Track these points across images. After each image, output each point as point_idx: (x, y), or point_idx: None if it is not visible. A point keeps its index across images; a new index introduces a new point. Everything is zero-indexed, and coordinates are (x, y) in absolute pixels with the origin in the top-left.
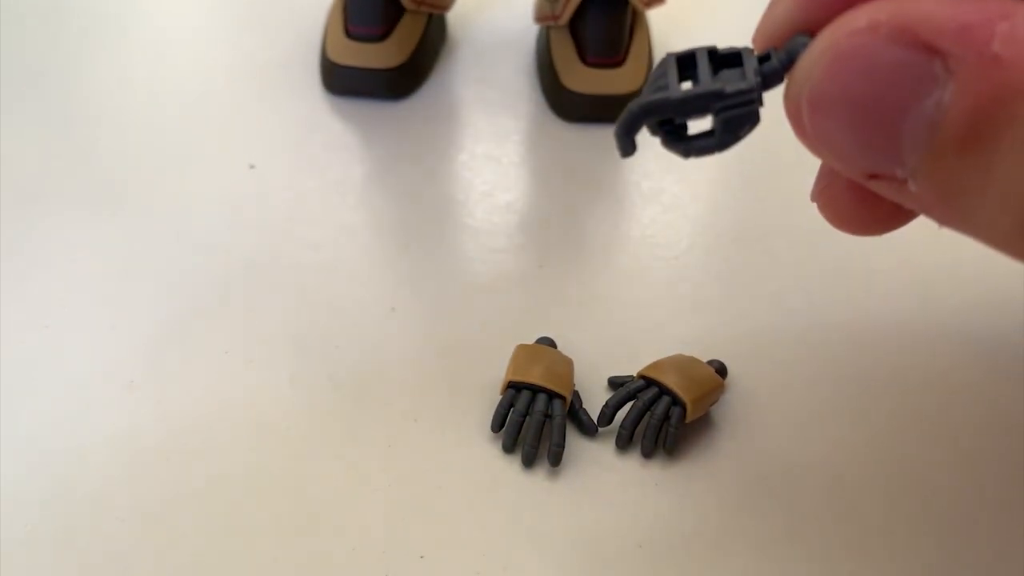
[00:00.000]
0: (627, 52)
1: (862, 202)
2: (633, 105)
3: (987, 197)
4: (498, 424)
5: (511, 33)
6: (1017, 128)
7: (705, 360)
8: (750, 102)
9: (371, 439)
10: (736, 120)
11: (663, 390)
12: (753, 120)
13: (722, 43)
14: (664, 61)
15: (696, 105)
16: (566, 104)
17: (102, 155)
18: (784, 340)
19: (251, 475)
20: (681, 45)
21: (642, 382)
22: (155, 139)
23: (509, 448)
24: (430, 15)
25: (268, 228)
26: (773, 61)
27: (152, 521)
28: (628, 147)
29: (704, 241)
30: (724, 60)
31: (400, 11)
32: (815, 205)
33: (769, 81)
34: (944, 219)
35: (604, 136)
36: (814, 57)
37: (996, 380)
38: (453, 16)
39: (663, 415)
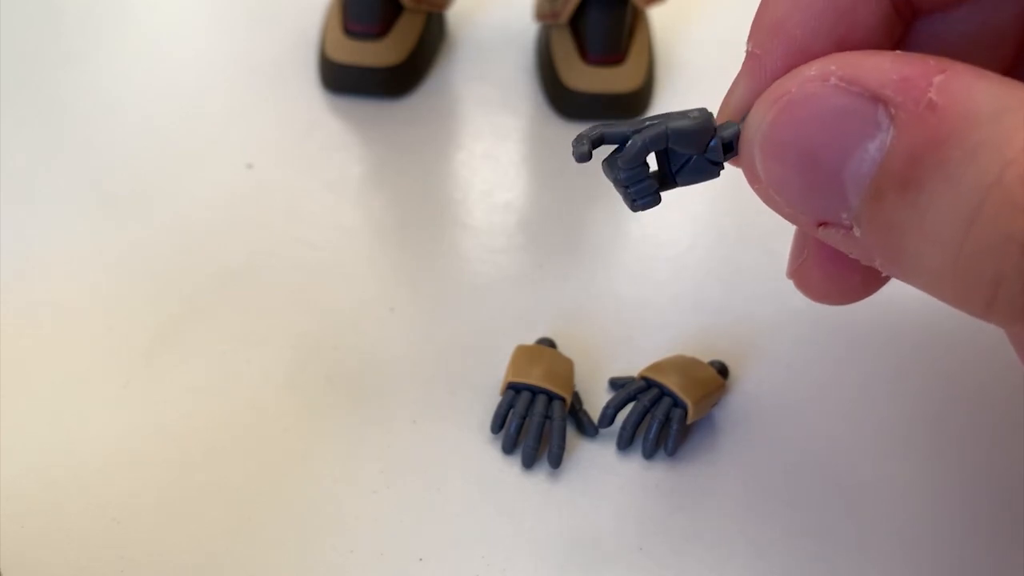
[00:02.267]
0: (628, 50)
1: (832, 277)
2: (636, 138)
3: (921, 236)
4: (498, 425)
5: (511, 31)
6: (947, 170)
7: (706, 361)
8: (709, 171)
9: (370, 440)
10: (689, 180)
11: (664, 391)
12: (708, 175)
13: (721, 43)
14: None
15: (660, 167)
16: (566, 102)
17: (98, 154)
18: (786, 341)
19: (249, 475)
20: (682, 43)
21: (643, 383)
22: (152, 138)
23: (509, 449)
24: (429, 13)
25: (266, 227)
26: (733, 128)
27: (148, 522)
28: (585, 156)
29: (705, 241)
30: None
31: (399, 9)
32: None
33: (728, 143)
34: (884, 263)
35: None
36: (766, 104)
37: (1001, 380)
38: (452, 14)
39: (664, 416)
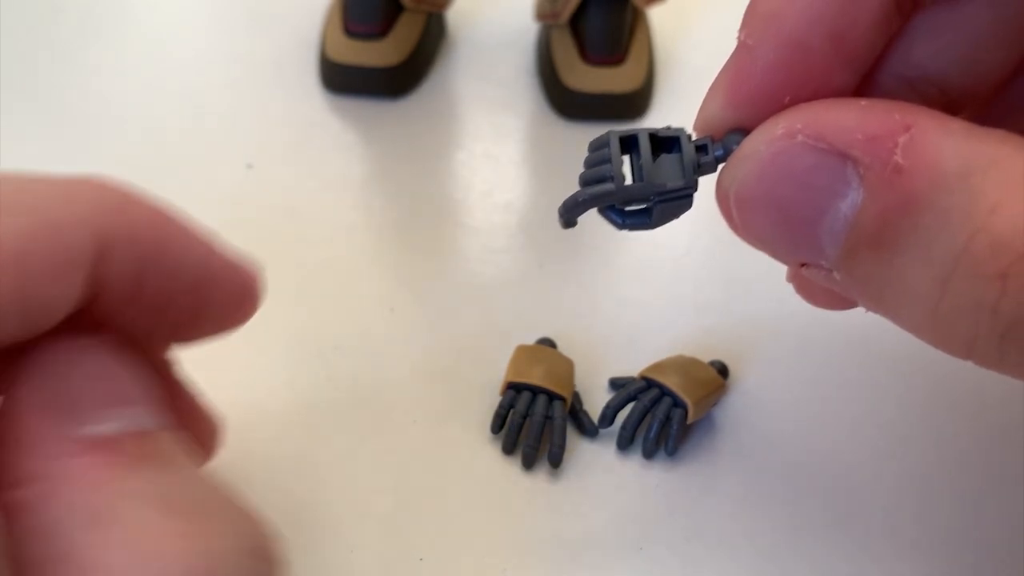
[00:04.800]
0: (628, 50)
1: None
2: (579, 194)
3: (898, 291)
4: (498, 425)
5: (511, 31)
6: (919, 234)
7: (707, 361)
8: (686, 196)
9: (370, 440)
10: (671, 210)
11: (664, 391)
12: (687, 208)
13: (720, 42)
14: (605, 138)
15: (638, 197)
16: (566, 102)
17: (98, 154)
18: (786, 341)
19: (249, 476)
20: (682, 43)
21: (643, 383)
22: (152, 137)
23: (509, 449)
24: (429, 13)
25: (266, 228)
26: (709, 155)
27: None
28: (571, 223)
29: (705, 241)
30: (663, 143)
31: (399, 9)
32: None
33: (704, 171)
34: (867, 306)
35: None
36: (739, 161)
37: (1002, 381)
38: (452, 14)
39: (664, 416)
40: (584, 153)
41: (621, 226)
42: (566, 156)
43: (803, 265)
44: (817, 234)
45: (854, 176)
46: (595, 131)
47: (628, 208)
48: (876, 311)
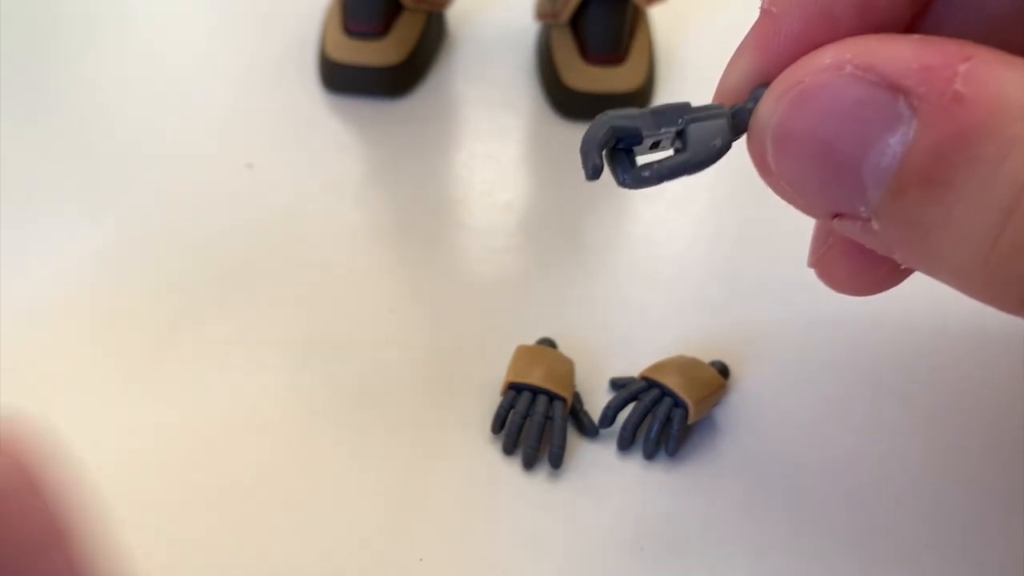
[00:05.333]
0: (628, 50)
1: (859, 265)
2: (602, 116)
3: (947, 234)
4: (498, 425)
5: (511, 31)
6: (978, 166)
7: (707, 361)
8: (719, 115)
9: (370, 440)
10: (705, 135)
11: (665, 391)
12: (721, 136)
13: (721, 41)
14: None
15: (665, 115)
16: (567, 102)
17: (98, 155)
18: (787, 341)
19: (250, 476)
20: (682, 42)
21: (644, 383)
22: (152, 137)
23: (509, 450)
24: (429, 13)
25: (266, 228)
26: (740, 104)
27: (151, 521)
28: (596, 164)
29: (705, 241)
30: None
31: (399, 8)
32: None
33: (739, 117)
34: (906, 257)
35: None
36: (778, 94)
37: (1004, 381)
38: (452, 14)
39: (665, 416)
40: None
41: (658, 175)
42: (566, 156)
43: (836, 217)
44: (861, 174)
45: (905, 109)
46: None
47: (643, 162)
48: (917, 262)
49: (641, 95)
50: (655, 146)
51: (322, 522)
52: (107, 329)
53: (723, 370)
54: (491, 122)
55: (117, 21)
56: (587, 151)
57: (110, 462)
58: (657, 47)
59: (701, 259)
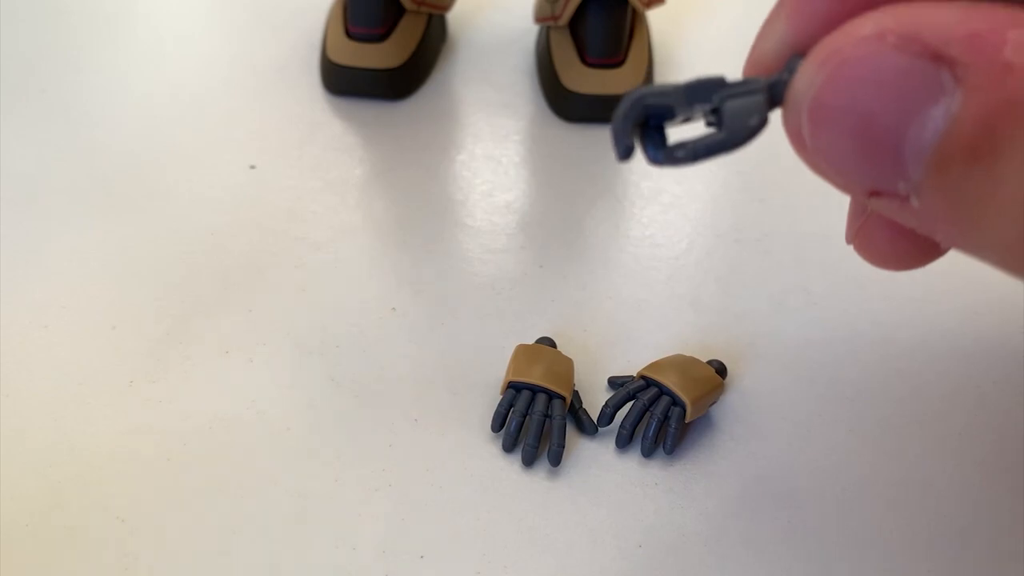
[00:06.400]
0: (627, 52)
1: (900, 237)
2: (633, 92)
3: (994, 208)
4: (498, 424)
5: (511, 33)
6: None
7: (705, 360)
8: (756, 91)
9: (371, 439)
10: (743, 111)
11: (663, 390)
12: (759, 111)
13: (719, 44)
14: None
15: (699, 91)
16: (566, 104)
17: (102, 155)
18: (784, 340)
19: (251, 475)
20: (680, 45)
21: (642, 382)
22: (155, 139)
23: (509, 448)
24: (430, 15)
25: (268, 228)
26: (776, 75)
27: (152, 521)
28: (627, 143)
29: (704, 241)
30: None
31: (400, 11)
32: (850, 245)
33: (774, 90)
34: (948, 235)
35: (604, 136)
36: (815, 65)
37: (1000, 380)
38: (453, 16)
39: (663, 415)
40: (584, 153)
41: (693, 153)
42: (566, 157)
43: (874, 195)
44: (901, 148)
45: (949, 80)
46: (595, 132)
47: (673, 145)
48: (960, 240)
49: None
50: (687, 119)
51: (323, 520)
52: (109, 328)
53: (721, 369)
54: (491, 124)
55: (122, 26)
56: (619, 130)
57: (114, 459)
58: (656, 50)
59: (699, 259)
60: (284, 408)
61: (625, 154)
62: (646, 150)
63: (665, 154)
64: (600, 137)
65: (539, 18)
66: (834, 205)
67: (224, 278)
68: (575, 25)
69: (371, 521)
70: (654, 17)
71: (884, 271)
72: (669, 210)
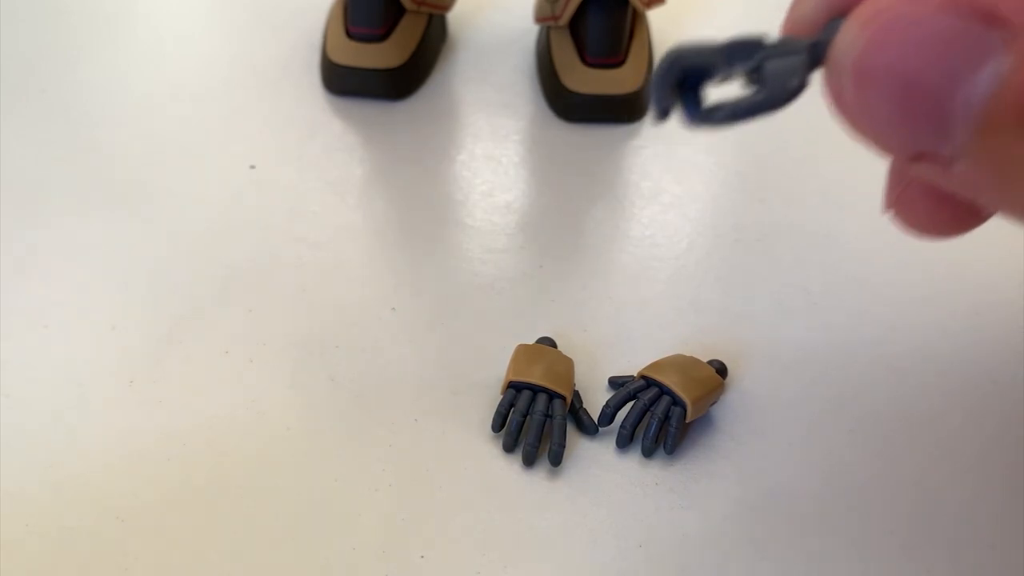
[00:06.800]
0: (627, 52)
1: (941, 204)
2: (671, 51)
3: None
4: (498, 424)
5: (511, 33)
6: None
7: (705, 360)
8: (797, 52)
9: (371, 439)
10: (784, 72)
11: (663, 390)
12: (799, 74)
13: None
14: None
15: (740, 51)
16: (566, 104)
17: (102, 156)
18: (784, 340)
19: (251, 475)
20: None
21: (642, 382)
22: (155, 139)
23: (509, 448)
24: (430, 15)
25: (268, 228)
26: (817, 36)
27: (152, 521)
28: (666, 104)
29: (704, 241)
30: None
31: (400, 12)
32: (887, 216)
33: (815, 51)
34: (992, 199)
35: (604, 136)
36: (860, 25)
37: (1000, 379)
38: (453, 16)
39: (663, 415)
40: (584, 153)
41: (732, 114)
42: (566, 157)
43: (916, 159)
44: (947, 111)
45: (998, 42)
46: (595, 132)
47: (710, 106)
48: (1003, 203)
49: (640, 97)
50: (724, 79)
51: (323, 520)
52: (109, 328)
53: (721, 369)
54: (491, 124)
55: (120, 24)
56: (658, 89)
57: (114, 459)
58: (656, 50)
59: (700, 259)
60: (284, 408)
61: (663, 115)
62: (683, 111)
63: (703, 116)
64: (600, 137)
65: (539, 18)
66: (834, 205)
67: (224, 278)
68: (575, 25)
69: (371, 521)
70: (654, 17)
71: (884, 272)
72: (669, 210)
